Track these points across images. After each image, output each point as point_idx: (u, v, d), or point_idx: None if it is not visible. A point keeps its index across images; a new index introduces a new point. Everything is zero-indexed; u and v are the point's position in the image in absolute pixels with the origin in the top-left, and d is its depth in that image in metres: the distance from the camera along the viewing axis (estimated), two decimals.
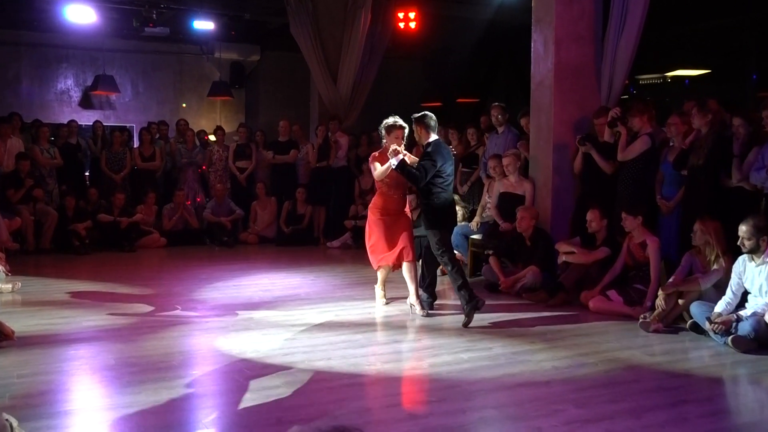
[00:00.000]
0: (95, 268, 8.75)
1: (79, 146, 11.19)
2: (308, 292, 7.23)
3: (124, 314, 6.12)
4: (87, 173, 11.71)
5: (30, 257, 9.44)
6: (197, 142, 11.81)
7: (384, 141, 6.28)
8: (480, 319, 6.04)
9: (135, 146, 11.87)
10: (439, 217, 6.11)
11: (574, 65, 7.54)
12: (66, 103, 13.32)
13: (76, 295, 6.98)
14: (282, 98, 14.15)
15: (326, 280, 7.95)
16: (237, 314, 6.15)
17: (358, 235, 10.53)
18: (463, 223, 8.44)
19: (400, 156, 6.01)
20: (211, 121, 14.19)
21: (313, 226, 11.28)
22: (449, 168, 6.08)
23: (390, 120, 6.31)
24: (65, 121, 11.84)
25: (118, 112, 13.79)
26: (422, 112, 6.25)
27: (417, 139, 6.23)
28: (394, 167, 6.00)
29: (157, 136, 11.77)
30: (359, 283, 7.73)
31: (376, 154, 6.35)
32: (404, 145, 6.20)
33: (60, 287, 7.38)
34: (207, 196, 11.52)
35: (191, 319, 5.98)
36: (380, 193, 6.45)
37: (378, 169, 6.25)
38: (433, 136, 6.11)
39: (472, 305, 5.80)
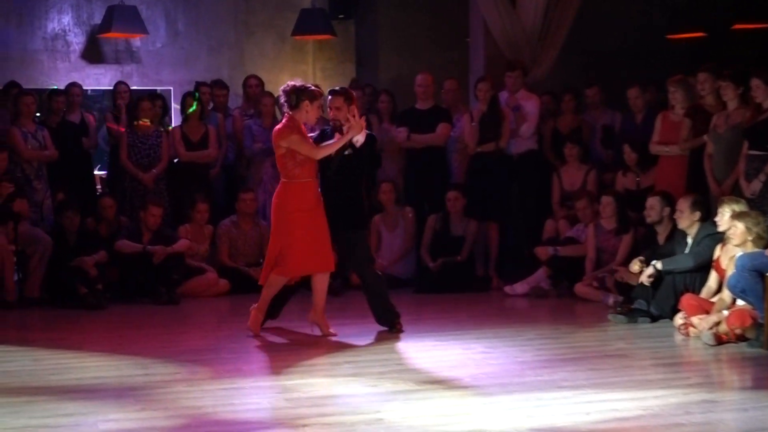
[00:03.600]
0: (114, 331, 9.05)
1: (84, 126, 11.70)
2: (476, 375, 7.18)
3: (166, 410, 6.26)
4: (98, 171, 12.20)
5: (10, 313, 9.90)
6: (278, 115, 12.08)
7: (307, 111, 8.32)
8: None
9: (175, 124, 12.30)
10: (367, 214, 8.83)
11: None
12: (61, 54, 13.94)
13: (86, 376, 7.19)
14: (419, 36, 14.24)
15: (507, 353, 7.92)
16: (356, 412, 6.20)
17: (562, 271, 10.44)
18: (752, 250, 8.17)
19: (363, 134, 8.28)
20: (299, 76, 14.48)
21: (479, 258, 11.31)
22: None
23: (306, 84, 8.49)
24: (61, 85, 12.43)
25: (145, 67, 14.32)
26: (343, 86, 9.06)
27: (342, 116, 8.27)
28: (358, 145, 8.30)
29: (211, 106, 12.15)
30: (567, 358, 7.65)
31: (293, 126, 8.27)
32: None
33: (59, 363, 7.62)
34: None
35: (280, 419, 6.08)
36: (296, 181, 8.33)
37: (321, 146, 8.32)
38: None
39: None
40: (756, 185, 8.91)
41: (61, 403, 6.42)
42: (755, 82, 9.08)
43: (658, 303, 9.04)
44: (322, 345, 8.21)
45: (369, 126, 10.95)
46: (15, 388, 6.90)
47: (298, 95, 8.29)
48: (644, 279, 9.03)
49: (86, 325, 9.43)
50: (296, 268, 8.44)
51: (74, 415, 6.14)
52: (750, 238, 8.27)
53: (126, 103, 11.86)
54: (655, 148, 10.36)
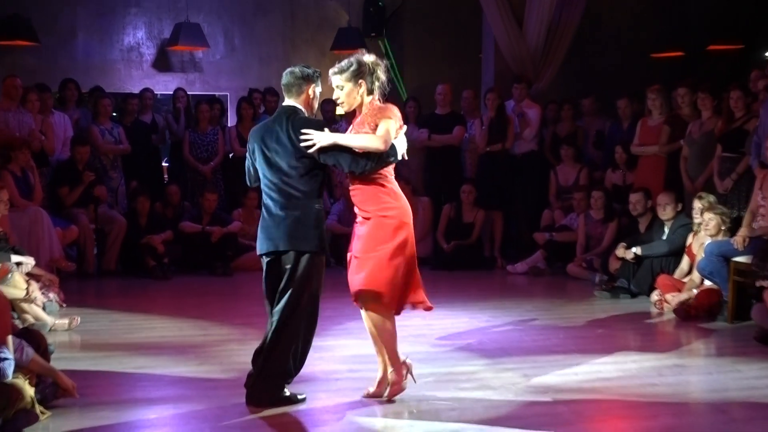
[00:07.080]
0: (178, 298, 9.23)
1: (154, 125, 11.81)
2: (482, 341, 7.27)
3: (221, 364, 6.44)
4: (165, 164, 12.32)
5: (90, 282, 10.11)
6: (320, 119, 12.13)
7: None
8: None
9: (230, 125, 12.40)
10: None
11: None
12: (135, 64, 14.05)
13: (154, 335, 7.42)
14: (440, 51, 14.25)
15: (507, 322, 7.98)
16: (375, 369, 6.15)
17: (556, 253, 10.49)
18: (721, 238, 8.19)
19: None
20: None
21: (486, 241, 11.37)
22: None
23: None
24: (135, 90, 12.54)
25: (206, 75, 14.39)
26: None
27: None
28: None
29: (262, 109, 12.19)
30: (559, 327, 7.72)
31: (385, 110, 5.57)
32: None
33: (132, 324, 7.86)
34: (331, 197, 11.80)
35: (316, 376, 6.19)
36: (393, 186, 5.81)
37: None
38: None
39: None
40: (728, 183, 8.82)
41: (133, 358, 6.64)
42: (736, 94, 8.91)
43: (638, 282, 9.07)
44: (357, 315, 8.21)
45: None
46: (95, 344, 7.13)
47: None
48: (628, 256, 9.10)
49: (154, 293, 9.58)
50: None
51: (144, 368, 6.35)
52: (723, 228, 8.29)
53: (184, 106, 11.97)
54: (635, 150, 10.29)
